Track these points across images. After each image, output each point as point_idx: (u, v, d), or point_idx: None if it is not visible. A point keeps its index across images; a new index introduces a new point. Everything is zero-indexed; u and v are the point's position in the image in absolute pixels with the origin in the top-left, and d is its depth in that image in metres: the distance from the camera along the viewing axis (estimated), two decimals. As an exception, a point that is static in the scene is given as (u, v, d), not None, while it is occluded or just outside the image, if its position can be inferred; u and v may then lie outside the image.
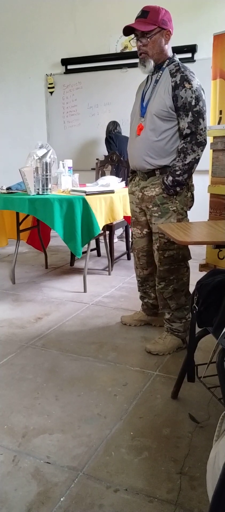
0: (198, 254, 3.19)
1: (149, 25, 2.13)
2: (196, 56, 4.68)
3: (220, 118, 3.12)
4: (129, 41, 2.29)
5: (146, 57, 2.19)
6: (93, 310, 2.93)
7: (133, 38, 2.24)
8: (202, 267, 2.61)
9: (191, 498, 1.33)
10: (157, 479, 1.41)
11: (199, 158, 2.15)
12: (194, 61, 4.63)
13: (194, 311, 1.53)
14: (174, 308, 2.31)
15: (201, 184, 2.78)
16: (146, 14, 2.14)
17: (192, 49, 4.65)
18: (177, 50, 4.52)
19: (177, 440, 1.60)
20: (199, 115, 2.11)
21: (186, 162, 2.13)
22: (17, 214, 3.52)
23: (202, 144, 2.14)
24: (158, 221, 2.24)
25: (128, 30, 2.19)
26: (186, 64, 2.23)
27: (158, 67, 2.22)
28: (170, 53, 2.23)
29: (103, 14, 5.07)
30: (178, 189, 2.18)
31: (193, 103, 2.10)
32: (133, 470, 1.45)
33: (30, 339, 2.47)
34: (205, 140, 2.15)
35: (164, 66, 2.20)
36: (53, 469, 1.45)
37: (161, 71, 2.20)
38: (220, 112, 3.10)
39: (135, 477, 1.42)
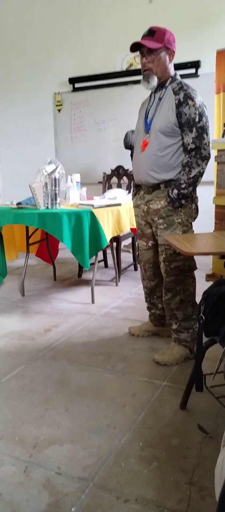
0: (204, 264, 3.21)
1: (156, 43, 2.20)
2: (199, 71, 4.75)
3: (224, 131, 3.17)
4: (134, 58, 2.34)
5: (150, 74, 2.25)
6: (101, 321, 2.96)
7: (138, 55, 2.31)
8: (208, 277, 2.63)
9: (201, 509, 1.34)
10: (167, 490, 1.42)
11: (203, 172, 2.21)
12: (197, 76, 4.70)
13: (201, 321, 1.55)
14: (181, 318, 2.33)
15: (206, 195, 2.81)
16: (153, 33, 2.21)
17: (195, 64, 4.72)
18: (181, 66, 4.60)
19: (186, 451, 1.61)
20: (203, 130, 2.17)
21: (191, 176, 2.18)
22: (27, 228, 3.58)
23: (206, 158, 2.20)
24: (164, 233, 2.28)
25: (134, 47, 2.26)
26: (189, 80, 2.31)
27: (161, 85, 2.28)
28: (172, 72, 2.30)
29: (109, 34, 5.18)
30: (183, 201, 2.23)
31: (196, 119, 2.16)
32: (143, 480, 1.46)
33: (40, 351, 2.51)
34: (209, 154, 2.21)
35: (166, 85, 2.27)
36: (64, 479, 1.48)
37: (164, 89, 2.27)
38: (224, 125, 3.15)
39: (144, 488, 1.43)
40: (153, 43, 2.20)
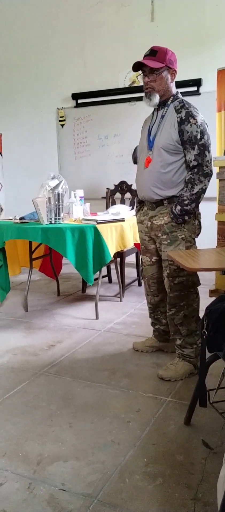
0: (208, 280, 3.22)
1: (158, 62, 2.26)
2: (201, 89, 4.81)
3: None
4: (137, 76, 2.39)
5: (152, 92, 2.30)
6: (105, 336, 2.97)
7: (140, 74, 2.36)
8: (212, 292, 2.64)
9: (206, 525, 1.33)
10: (171, 505, 1.42)
11: (206, 188, 2.25)
12: (199, 94, 4.76)
13: (204, 336, 1.56)
14: (185, 334, 2.33)
15: (209, 211, 2.84)
16: (155, 53, 2.27)
17: (197, 83, 4.78)
18: (183, 84, 4.65)
19: (190, 466, 1.60)
20: (205, 148, 2.21)
21: (193, 192, 2.21)
22: (30, 243, 3.61)
23: (209, 175, 2.23)
24: (167, 249, 2.30)
25: (136, 66, 2.31)
26: (191, 97, 2.35)
27: (163, 103, 2.33)
28: (174, 90, 2.35)
29: (112, 51, 5.27)
30: (186, 217, 2.26)
31: (198, 137, 2.20)
32: (147, 496, 1.46)
33: (43, 367, 2.51)
34: (211, 171, 2.25)
35: (169, 103, 2.32)
36: (68, 496, 1.47)
37: (166, 107, 2.31)
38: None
39: (149, 504, 1.43)
40: (155, 63, 2.25)
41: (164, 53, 2.27)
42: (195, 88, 4.79)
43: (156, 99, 2.31)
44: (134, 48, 4.85)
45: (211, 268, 1.75)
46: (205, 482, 1.51)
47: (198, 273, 2.34)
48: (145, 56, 2.30)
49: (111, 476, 1.57)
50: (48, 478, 1.56)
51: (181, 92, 2.41)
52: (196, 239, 2.37)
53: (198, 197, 2.23)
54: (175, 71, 2.33)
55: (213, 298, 1.86)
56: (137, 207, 2.58)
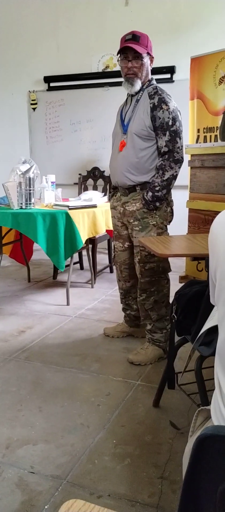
0: (178, 267, 3.27)
1: (143, 48, 2.26)
2: (174, 77, 4.84)
3: (198, 137, 3.26)
4: (117, 60, 2.34)
5: (134, 77, 2.29)
6: (77, 322, 2.97)
7: (122, 59, 2.29)
8: (182, 278, 2.70)
9: (172, 501, 1.38)
10: (139, 484, 1.45)
11: (176, 175, 2.27)
12: (173, 81, 4.79)
13: (173, 320, 1.60)
14: (155, 319, 2.37)
15: (181, 199, 2.87)
16: (138, 38, 2.25)
17: (170, 70, 4.81)
18: (156, 70, 4.66)
19: (158, 447, 1.65)
20: (176, 134, 2.23)
21: (164, 178, 2.23)
22: (0, 228, 3.53)
23: (179, 162, 2.26)
24: (139, 235, 2.32)
25: (122, 49, 2.26)
26: (165, 84, 2.36)
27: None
28: (149, 76, 2.36)
29: (86, 34, 5.19)
30: (157, 204, 2.28)
31: (170, 123, 2.22)
32: (116, 476, 1.49)
33: (13, 352, 2.49)
34: (182, 157, 2.28)
35: (144, 88, 2.32)
36: (37, 478, 1.48)
37: (141, 92, 2.32)
38: (198, 130, 3.24)
39: (117, 483, 1.46)
40: (141, 48, 2.25)
41: (146, 39, 2.28)
42: (168, 76, 4.81)
43: (138, 85, 2.30)
44: (107, 32, 4.80)
45: (181, 254, 1.78)
46: (172, 462, 1.56)
47: (169, 259, 2.37)
48: (127, 40, 2.26)
49: (80, 458, 1.58)
50: (17, 462, 1.56)
51: (154, 79, 2.41)
52: (168, 226, 2.40)
53: (169, 184, 2.25)
54: (153, 57, 2.35)
55: (183, 284, 1.90)
56: (110, 192, 2.58)
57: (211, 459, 0.60)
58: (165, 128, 2.22)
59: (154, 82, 2.36)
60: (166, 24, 4.79)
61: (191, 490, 0.60)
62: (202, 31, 4.61)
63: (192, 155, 2.59)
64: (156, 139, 2.26)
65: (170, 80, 4.79)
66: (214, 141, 3.14)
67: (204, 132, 3.26)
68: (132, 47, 2.23)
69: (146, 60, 2.30)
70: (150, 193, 2.26)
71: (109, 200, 2.58)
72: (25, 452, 1.61)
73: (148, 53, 2.30)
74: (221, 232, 0.84)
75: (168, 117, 2.22)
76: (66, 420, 1.82)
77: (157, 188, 2.24)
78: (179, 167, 2.27)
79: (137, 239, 2.32)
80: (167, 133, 2.22)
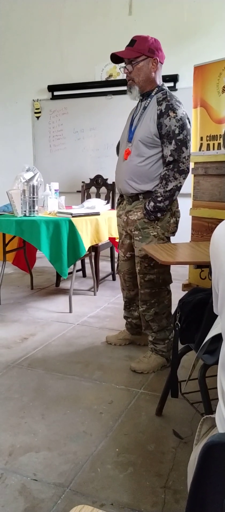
0: (181, 275, 3.27)
1: (134, 52, 2.20)
2: (178, 85, 4.87)
3: (201, 145, 3.27)
4: (120, 68, 2.34)
5: (132, 84, 2.27)
6: (79, 330, 2.96)
7: (123, 67, 2.30)
8: (184, 286, 2.69)
9: (175, 511, 1.37)
10: (142, 494, 1.44)
11: (181, 186, 2.20)
12: (176, 90, 4.81)
13: (177, 328, 1.59)
14: (156, 330, 2.35)
15: (184, 207, 2.88)
16: (133, 42, 2.22)
17: (174, 78, 4.84)
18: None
19: (161, 456, 1.64)
20: (182, 143, 2.16)
21: (167, 189, 2.17)
22: (4, 235, 3.55)
23: (184, 172, 2.18)
24: (139, 245, 2.29)
25: (114, 59, 2.28)
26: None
27: (147, 95, 2.27)
28: (159, 81, 2.29)
29: (89, 44, 5.24)
30: (159, 215, 2.23)
31: (176, 132, 2.15)
32: (118, 485, 1.48)
33: (16, 359, 2.48)
34: (188, 168, 2.20)
35: (152, 94, 2.26)
36: (40, 485, 1.47)
37: (149, 99, 2.25)
38: (201, 138, 3.25)
39: (120, 492, 1.45)
40: (131, 53, 2.21)
41: (143, 42, 2.19)
42: (171, 84, 4.84)
43: (136, 91, 2.26)
44: (111, 41, 4.82)
45: (184, 262, 1.78)
46: (175, 471, 1.55)
47: (172, 267, 2.36)
48: (126, 47, 2.25)
49: (83, 466, 1.57)
50: (20, 469, 1.55)
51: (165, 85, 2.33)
52: (171, 237, 2.34)
53: (172, 195, 2.18)
54: (157, 60, 2.23)
55: (187, 292, 1.90)
56: (118, 200, 2.54)
57: (218, 467, 0.60)
58: (171, 137, 2.15)
59: (164, 87, 2.28)
60: (169, 32, 4.83)
61: (197, 498, 0.60)
62: (205, 39, 4.65)
63: (195, 163, 2.59)
64: (161, 147, 2.20)
65: (173, 89, 4.81)
66: (218, 149, 3.15)
67: (207, 140, 3.27)
68: (116, 54, 2.20)
69: (143, 64, 2.21)
70: (151, 203, 2.20)
71: (116, 208, 2.57)
72: (28, 460, 1.61)
73: (146, 56, 2.20)
74: (223, 243, 0.84)
75: (175, 125, 2.14)
76: (69, 428, 1.81)
77: (159, 199, 2.19)
78: (184, 178, 2.19)
79: (137, 249, 2.31)
80: (173, 141, 2.14)
